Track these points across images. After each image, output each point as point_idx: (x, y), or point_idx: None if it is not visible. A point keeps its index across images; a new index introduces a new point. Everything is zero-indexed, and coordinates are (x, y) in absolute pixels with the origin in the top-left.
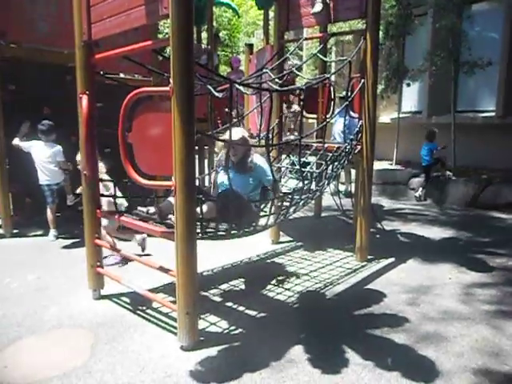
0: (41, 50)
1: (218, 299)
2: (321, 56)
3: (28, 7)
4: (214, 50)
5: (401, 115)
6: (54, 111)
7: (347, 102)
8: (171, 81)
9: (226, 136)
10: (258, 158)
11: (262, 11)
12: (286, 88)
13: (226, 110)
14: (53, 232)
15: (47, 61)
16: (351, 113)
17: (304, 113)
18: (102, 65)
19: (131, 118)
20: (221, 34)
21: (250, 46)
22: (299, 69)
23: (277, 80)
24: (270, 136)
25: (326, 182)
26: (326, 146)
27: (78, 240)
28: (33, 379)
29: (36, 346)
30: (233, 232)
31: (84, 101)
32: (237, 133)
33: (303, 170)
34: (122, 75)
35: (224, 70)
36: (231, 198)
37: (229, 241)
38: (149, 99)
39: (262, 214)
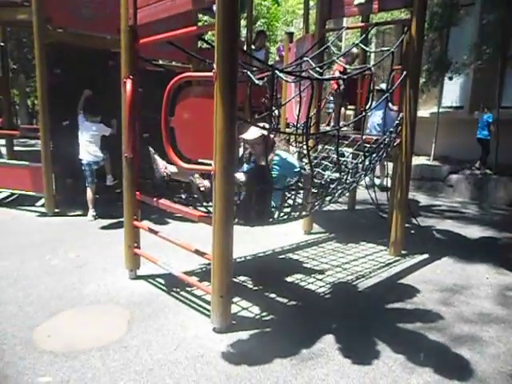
0: (84, 35)
1: (249, 285)
2: (362, 46)
3: None
4: (263, 45)
5: (440, 110)
6: (95, 94)
7: (388, 94)
8: (215, 66)
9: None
10: (281, 153)
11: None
12: (327, 77)
13: (263, 99)
14: (91, 212)
15: (91, 45)
16: (390, 105)
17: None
18: (144, 51)
19: (174, 102)
20: (259, 23)
21: (290, 35)
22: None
23: (317, 69)
24: (308, 126)
25: (363, 174)
26: (364, 137)
27: (115, 221)
28: (74, 349)
29: (76, 318)
30: (268, 219)
31: (128, 85)
32: (254, 132)
33: (340, 160)
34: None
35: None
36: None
37: (261, 228)
38: (188, 85)
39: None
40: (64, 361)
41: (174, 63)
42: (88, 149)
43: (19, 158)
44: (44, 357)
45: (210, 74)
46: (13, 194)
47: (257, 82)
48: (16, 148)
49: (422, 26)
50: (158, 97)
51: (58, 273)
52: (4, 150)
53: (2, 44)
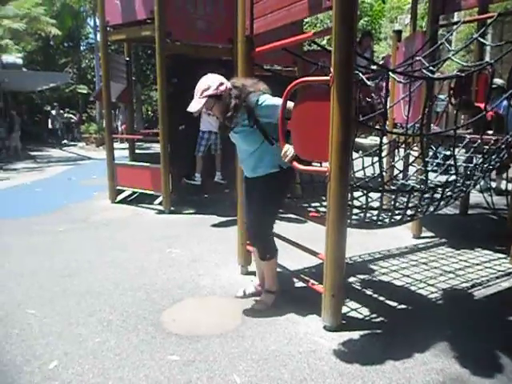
0: (199, 46)
1: (358, 287)
2: (482, 40)
3: (189, 9)
4: (368, 46)
5: None
6: None
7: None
8: (331, 70)
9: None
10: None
11: None
12: (443, 76)
13: (368, 100)
14: (197, 175)
15: (204, 55)
16: None
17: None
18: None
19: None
20: (362, 21)
21: (398, 33)
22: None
23: (431, 68)
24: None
25: (481, 177)
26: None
27: (223, 219)
28: (196, 333)
29: (195, 307)
30: (379, 222)
31: None
32: (196, 103)
33: (452, 163)
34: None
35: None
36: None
37: (368, 230)
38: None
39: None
40: (188, 343)
41: (276, 66)
42: (209, 119)
43: (138, 160)
44: (171, 338)
45: (327, 78)
46: (134, 193)
47: (368, 83)
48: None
49: None
50: None
51: (176, 265)
52: (126, 153)
53: (127, 59)
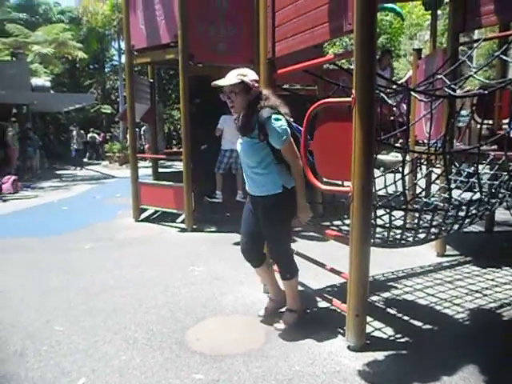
0: (220, 67)
1: (381, 306)
2: (505, 58)
3: (211, 32)
4: (387, 64)
5: None
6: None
7: None
8: (353, 91)
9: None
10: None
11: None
12: (465, 94)
13: (389, 116)
14: (218, 193)
15: (224, 76)
16: None
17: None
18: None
19: (312, 126)
20: (381, 39)
21: (419, 51)
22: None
23: (453, 86)
24: (439, 144)
25: (508, 195)
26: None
27: None
28: (219, 352)
29: (219, 325)
30: (403, 241)
31: None
32: (231, 76)
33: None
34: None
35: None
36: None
37: (391, 249)
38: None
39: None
40: (212, 362)
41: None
42: (230, 138)
43: (161, 178)
44: (196, 357)
45: (349, 99)
46: (156, 211)
47: (390, 102)
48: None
49: None
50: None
51: (199, 282)
52: (149, 171)
53: (151, 80)
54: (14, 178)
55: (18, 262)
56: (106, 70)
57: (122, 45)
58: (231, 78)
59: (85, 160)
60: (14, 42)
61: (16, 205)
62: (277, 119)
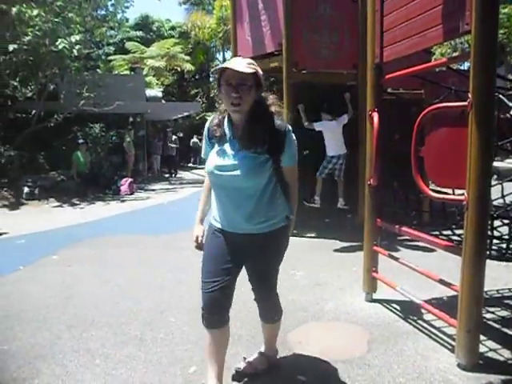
0: (323, 73)
1: (496, 325)
2: None
3: (316, 39)
4: (501, 62)
5: None
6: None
7: None
8: (469, 95)
9: None
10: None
11: None
12: None
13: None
14: (317, 198)
15: (327, 81)
16: None
17: None
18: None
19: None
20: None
21: None
22: None
23: None
24: None
25: None
26: None
27: (345, 244)
28: (320, 356)
29: (320, 331)
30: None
31: (375, 118)
32: (244, 64)
33: None
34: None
35: None
36: None
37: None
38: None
39: None
40: (313, 366)
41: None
42: (336, 143)
43: None
44: (299, 358)
45: (464, 103)
46: None
47: (510, 104)
48: None
49: None
50: (394, 124)
51: (300, 287)
52: None
53: None
54: (130, 180)
55: (133, 258)
56: (210, 79)
57: (227, 55)
58: (243, 65)
59: (189, 165)
60: (132, 58)
61: (132, 205)
62: (293, 131)
